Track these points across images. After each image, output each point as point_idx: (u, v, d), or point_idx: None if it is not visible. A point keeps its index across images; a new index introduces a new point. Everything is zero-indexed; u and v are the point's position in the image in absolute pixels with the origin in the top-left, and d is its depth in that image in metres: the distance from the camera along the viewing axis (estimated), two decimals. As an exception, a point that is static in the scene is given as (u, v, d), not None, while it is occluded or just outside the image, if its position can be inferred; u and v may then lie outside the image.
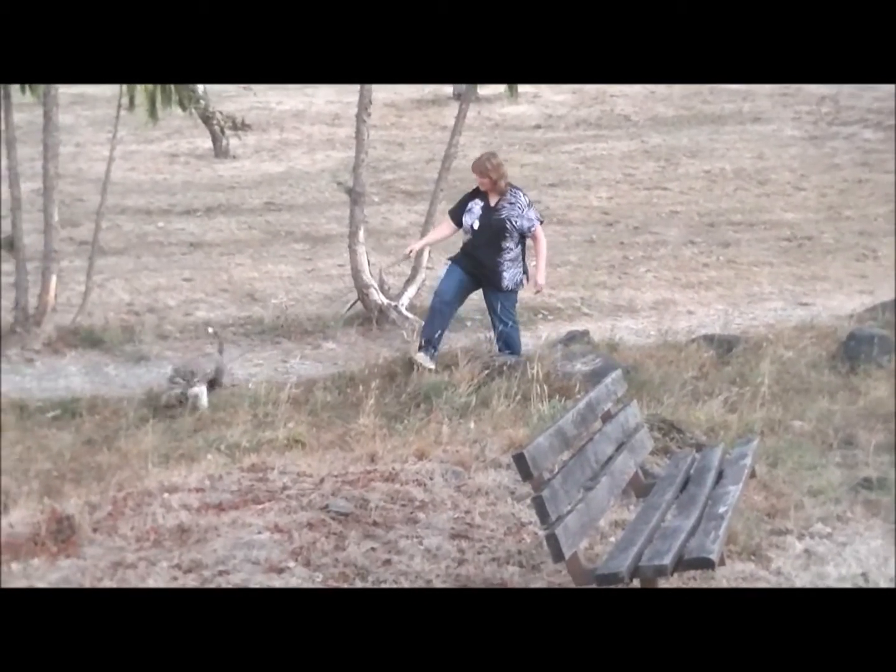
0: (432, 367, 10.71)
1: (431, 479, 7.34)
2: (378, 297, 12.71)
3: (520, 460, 5.44)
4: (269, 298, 13.36)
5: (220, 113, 19.45)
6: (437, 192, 13.43)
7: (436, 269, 14.22)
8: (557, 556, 5.28)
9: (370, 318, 12.64)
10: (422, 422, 9.20)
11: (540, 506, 5.33)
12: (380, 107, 19.70)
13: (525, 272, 11.21)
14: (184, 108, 13.62)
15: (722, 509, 5.92)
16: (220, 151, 20.53)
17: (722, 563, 6.02)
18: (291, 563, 5.97)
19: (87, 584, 5.60)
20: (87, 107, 22.76)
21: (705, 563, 5.32)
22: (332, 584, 5.80)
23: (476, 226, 11.05)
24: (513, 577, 6.09)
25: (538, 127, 22.87)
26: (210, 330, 11.53)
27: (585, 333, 12.02)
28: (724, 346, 11.47)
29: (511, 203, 11.04)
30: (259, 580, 5.72)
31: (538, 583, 6.04)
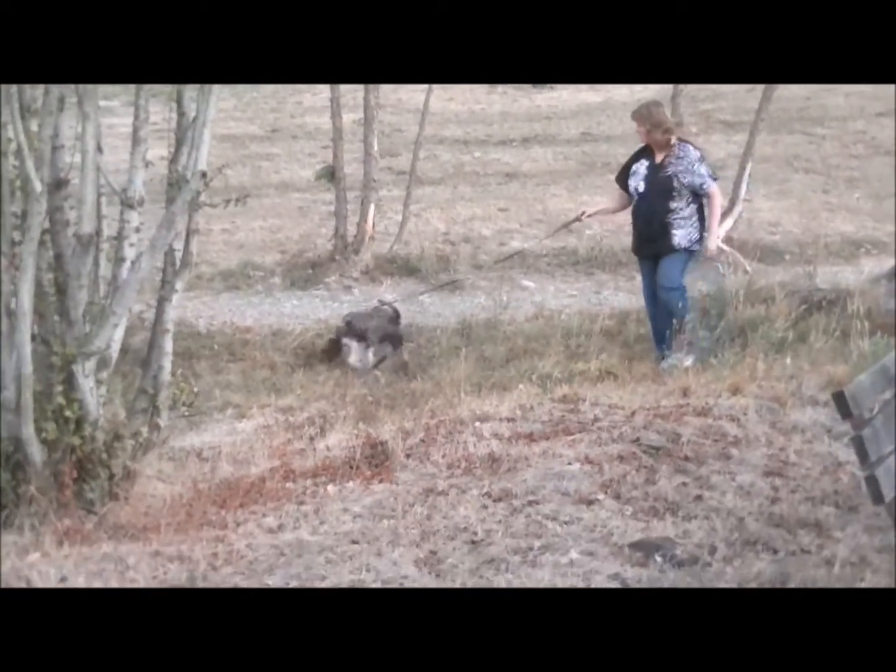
0: (672, 368, 9.26)
1: (745, 414, 7.14)
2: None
3: (839, 398, 5.21)
4: (584, 229, 13.26)
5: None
6: (758, 123, 13.07)
7: (754, 202, 13.90)
8: (877, 497, 5.06)
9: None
10: (737, 356, 8.99)
11: (859, 445, 5.10)
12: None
13: (701, 231, 9.87)
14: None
15: None
16: (536, 81, 20.53)
17: None
18: (601, 496, 5.91)
19: (399, 509, 5.68)
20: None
21: None
22: (642, 517, 5.71)
23: (641, 188, 9.86)
24: (828, 517, 5.87)
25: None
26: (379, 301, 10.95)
27: (912, 268, 11.48)
28: None
29: (679, 158, 9.75)
30: (569, 511, 5.68)
31: (855, 525, 5.81)
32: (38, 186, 5.53)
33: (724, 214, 12.80)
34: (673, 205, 9.72)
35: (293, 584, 4.86)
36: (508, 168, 16.19)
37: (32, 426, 5.70)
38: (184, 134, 6.27)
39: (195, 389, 6.82)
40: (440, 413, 7.39)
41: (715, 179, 9.89)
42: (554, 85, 20.36)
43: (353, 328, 10.16)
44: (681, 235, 9.75)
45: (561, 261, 12.83)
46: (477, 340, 10.51)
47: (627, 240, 11.83)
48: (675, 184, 9.69)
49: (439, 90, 16.79)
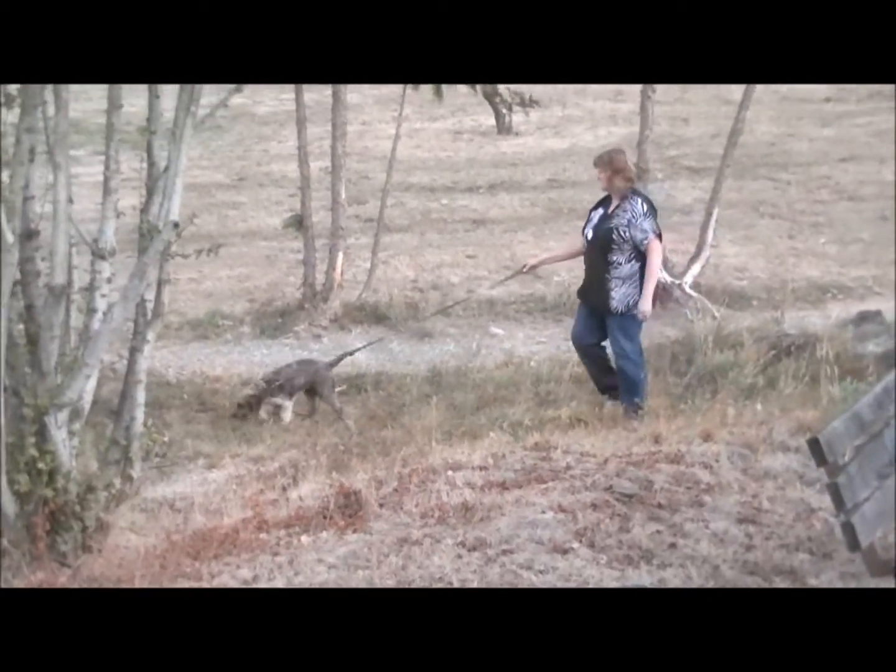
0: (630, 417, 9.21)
1: (717, 461, 7.17)
2: (662, 276, 12.52)
3: (814, 445, 5.24)
4: (552, 276, 13.28)
5: (508, 89, 19.43)
6: (724, 169, 13.15)
7: (721, 247, 13.98)
8: (853, 545, 5.09)
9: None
10: (707, 402, 9.02)
11: (835, 493, 5.13)
12: (663, 81, 19.41)
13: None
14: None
15: None
16: (502, 128, 20.62)
17: None
18: (576, 544, 5.91)
19: (374, 559, 5.66)
20: (373, 86, 23.14)
21: None
22: (617, 566, 5.71)
23: (590, 236, 9.66)
24: (803, 564, 5.89)
25: (828, 100, 22.21)
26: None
27: (878, 314, 11.55)
28: None
29: (624, 210, 9.47)
30: (543, 560, 5.68)
31: (829, 572, 5.82)
32: (9, 238, 5.52)
33: (692, 259, 12.90)
34: (612, 258, 9.43)
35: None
36: (475, 214, 16.21)
37: (4, 478, 5.67)
38: (154, 184, 6.28)
39: (166, 440, 6.78)
40: (412, 462, 7.38)
41: (658, 236, 9.49)
42: (519, 131, 20.48)
43: (273, 384, 10.02)
44: (618, 299, 9.45)
45: (529, 307, 12.85)
46: (447, 388, 10.49)
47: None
48: (615, 236, 9.40)
49: (406, 138, 16.84)
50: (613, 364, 9.67)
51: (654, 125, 13.35)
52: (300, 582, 5.41)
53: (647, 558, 5.82)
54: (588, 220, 9.76)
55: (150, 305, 6.34)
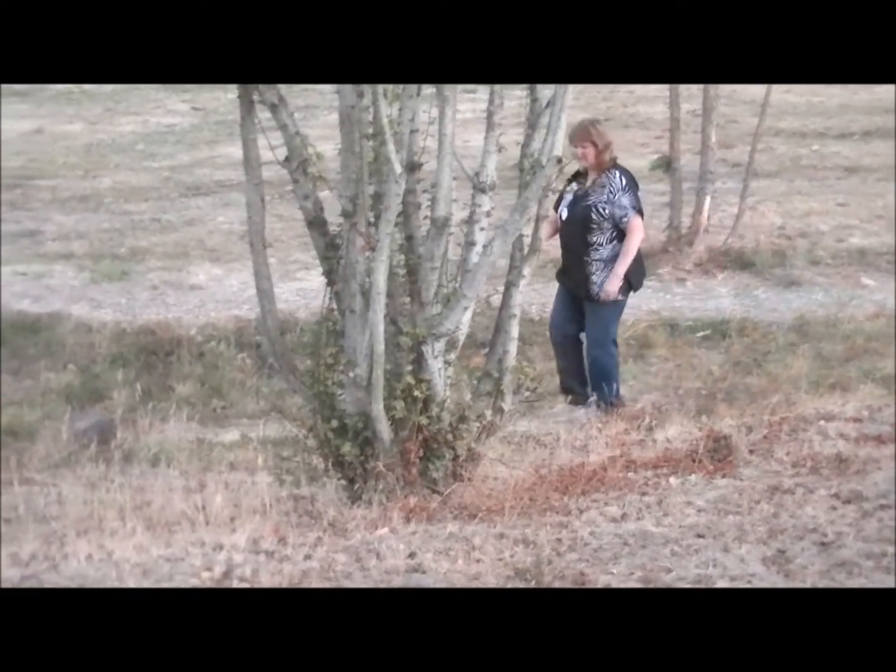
0: (583, 417, 8.43)
1: None
2: None
3: None
4: (928, 227, 12.75)
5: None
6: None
7: None
8: None
9: None
10: None
11: None
12: None
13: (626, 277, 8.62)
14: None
15: None
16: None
17: None
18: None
19: (744, 505, 5.55)
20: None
21: None
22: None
23: (564, 215, 8.61)
24: None
25: None
26: None
27: None
28: None
29: (602, 186, 8.48)
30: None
31: None
32: (397, 168, 5.63)
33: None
34: (592, 239, 8.51)
35: (637, 574, 4.81)
36: (847, 162, 15.71)
37: (382, 404, 5.82)
38: (537, 119, 6.29)
39: (537, 373, 6.84)
40: (780, 410, 7.22)
41: (639, 212, 8.61)
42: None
43: None
44: (600, 283, 8.55)
45: (902, 259, 12.38)
46: (814, 337, 10.24)
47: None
48: (594, 215, 8.46)
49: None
50: (588, 357, 8.75)
51: None
52: (669, 523, 5.35)
53: None
54: (560, 199, 8.60)
55: (526, 240, 6.37)
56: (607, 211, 8.45)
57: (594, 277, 8.55)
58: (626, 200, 8.46)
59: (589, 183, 8.58)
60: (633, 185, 8.62)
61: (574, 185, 8.64)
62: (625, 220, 8.47)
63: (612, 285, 8.50)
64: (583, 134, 8.50)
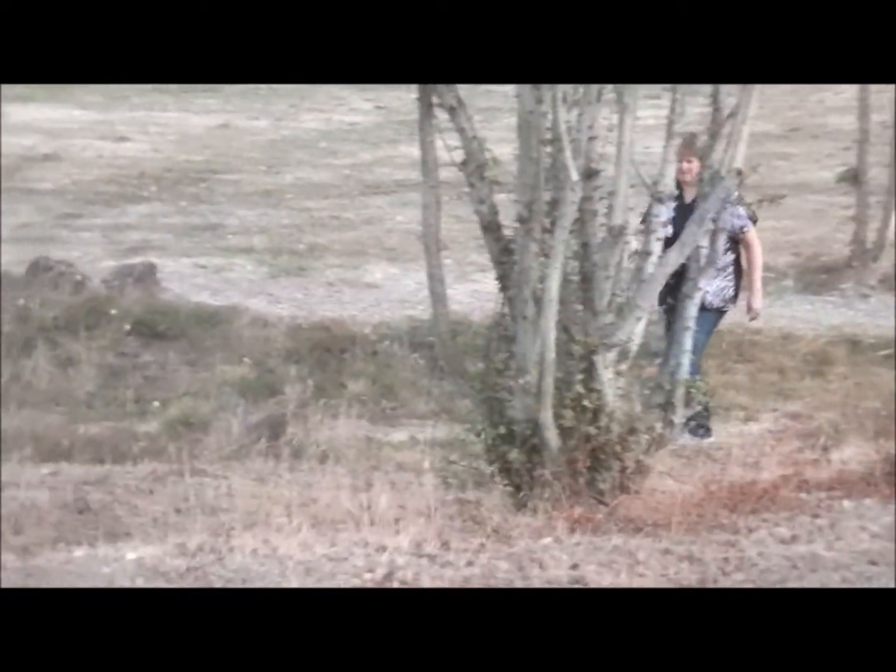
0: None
1: None
2: None
3: None
4: None
5: None
6: None
7: None
8: None
9: None
10: None
11: None
12: None
13: (737, 288, 8.52)
14: None
15: None
16: None
17: None
18: None
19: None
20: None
21: None
22: None
23: (670, 232, 7.38)
24: None
25: None
26: None
27: None
28: None
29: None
30: None
31: None
32: (574, 175, 5.61)
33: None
34: None
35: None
36: None
37: (551, 412, 5.79)
38: (718, 129, 6.20)
39: (709, 387, 6.74)
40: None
41: (754, 223, 8.47)
42: None
43: None
44: (713, 292, 8.18)
45: None
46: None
47: None
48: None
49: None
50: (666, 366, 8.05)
51: None
52: (840, 547, 5.21)
53: None
54: (655, 216, 6.87)
55: (703, 252, 6.27)
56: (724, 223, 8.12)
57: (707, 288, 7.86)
58: (742, 210, 8.18)
59: (690, 198, 8.00)
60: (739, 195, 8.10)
61: (671, 203, 7.79)
62: (745, 229, 8.41)
63: (757, 300, 8.60)
64: (690, 148, 8.13)
